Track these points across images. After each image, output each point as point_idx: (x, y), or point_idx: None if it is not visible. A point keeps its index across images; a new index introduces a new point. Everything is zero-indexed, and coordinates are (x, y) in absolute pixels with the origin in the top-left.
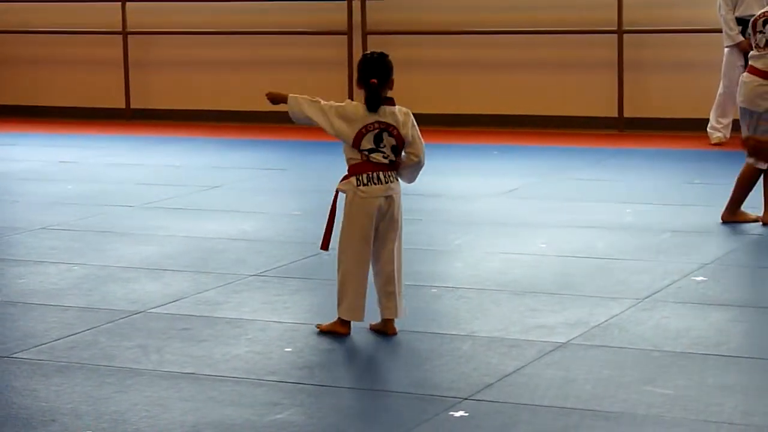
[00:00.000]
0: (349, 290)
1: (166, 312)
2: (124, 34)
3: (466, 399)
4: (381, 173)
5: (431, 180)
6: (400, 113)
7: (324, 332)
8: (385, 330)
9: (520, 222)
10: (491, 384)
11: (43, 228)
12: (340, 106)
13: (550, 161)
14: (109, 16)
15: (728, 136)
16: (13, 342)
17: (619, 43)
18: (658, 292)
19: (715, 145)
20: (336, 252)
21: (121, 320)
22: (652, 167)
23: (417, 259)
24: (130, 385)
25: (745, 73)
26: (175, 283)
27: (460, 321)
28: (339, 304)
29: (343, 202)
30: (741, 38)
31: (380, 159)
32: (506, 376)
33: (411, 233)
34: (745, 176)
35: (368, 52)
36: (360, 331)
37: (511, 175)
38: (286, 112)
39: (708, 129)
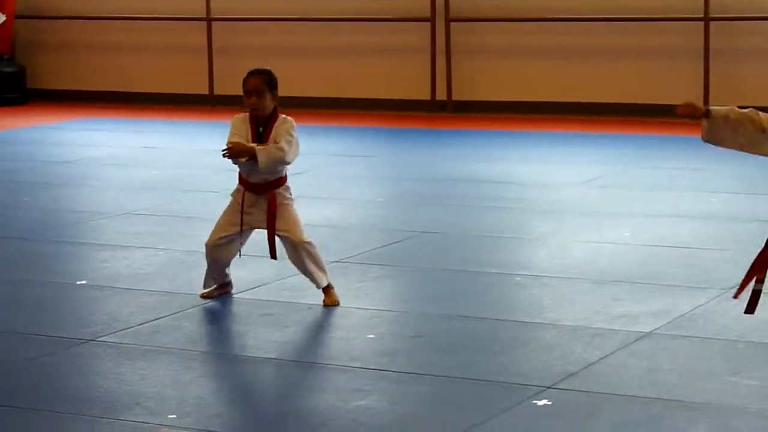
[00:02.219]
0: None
1: (249, 298)
2: (209, 20)
3: (549, 388)
4: None
5: (514, 168)
6: None
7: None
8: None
9: (603, 210)
10: (575, 373)
11: (129, 213)
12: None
13: (634, 149)
14: (194, 2)
15: None
16: (99, 326)
17: (705, 30)
18: None
19: None
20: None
21: (205, 305)
22: (738, 155)
23: (500, 248)
24: (213, 370)
25: None
26: (258, 269)
27: (544, 309)
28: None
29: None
30: None
31: None
32: (590, 365)
33: (494, 221)
34: None
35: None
36: (443, 319)
37: (594, 163)
38: (372, 98)
39: None
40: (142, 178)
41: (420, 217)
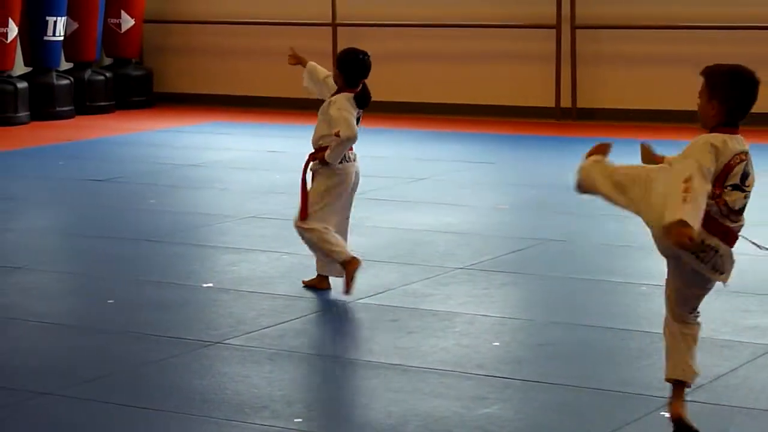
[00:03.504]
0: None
1: (374, 303)
2: (334, 26)
3: None
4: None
5: None
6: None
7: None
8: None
9: None
10: (703, 385)
11: (253, 216)
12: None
13: (763, 158)
14: (320, 7)
15: None
16: (226, 328)
17: None
18: None
19: None
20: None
21: (330, 310)
22: None
23: (626, 256)
24: (339, 374)
25: None
26: (382, 275)
27: None
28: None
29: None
30: None
31: None
32: (718, 377)
33: (619, 230)
34: None
35: (353, 50)
36: (569, 327)
37: None
38: (496, 105)
39: None
40: (267, 182)
41: (544, 225)
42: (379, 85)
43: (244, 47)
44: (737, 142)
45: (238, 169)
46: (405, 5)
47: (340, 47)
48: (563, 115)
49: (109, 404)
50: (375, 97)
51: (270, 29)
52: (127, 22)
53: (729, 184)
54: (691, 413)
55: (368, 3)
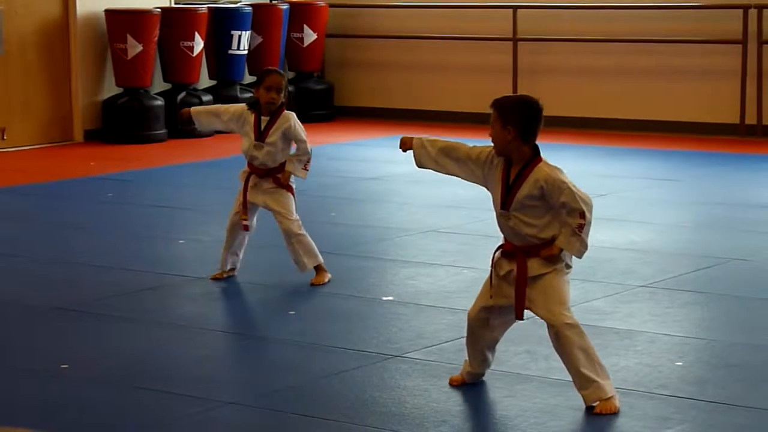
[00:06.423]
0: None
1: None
2: (514, 40)
3: None
4: None
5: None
6: None
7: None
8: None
9: None
10: None
11: (433, 230)
12: None
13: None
14: (499, 22)
15: None
16: (405, 342)
17: None
18: None
19: None
20: None
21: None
22: None
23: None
24: (518, 390)
25: None
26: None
27: None
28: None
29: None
30: None
31: None
32: None
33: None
34: None
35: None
36: (754, 349)
37: None
38: (679, 121)
39: None
40: (446, 196)
41: (729, 244)
42: (564, 100)
43: (423, 62)
44: None
45: (416, 183)
46: (587, 20)
47: (521, 62)
48: (748, 132)
49: (292, 414)
50: (558, 112)
51: (449, 44)
52: (310, 36)
53: None
54: None
55: (548, 18)
